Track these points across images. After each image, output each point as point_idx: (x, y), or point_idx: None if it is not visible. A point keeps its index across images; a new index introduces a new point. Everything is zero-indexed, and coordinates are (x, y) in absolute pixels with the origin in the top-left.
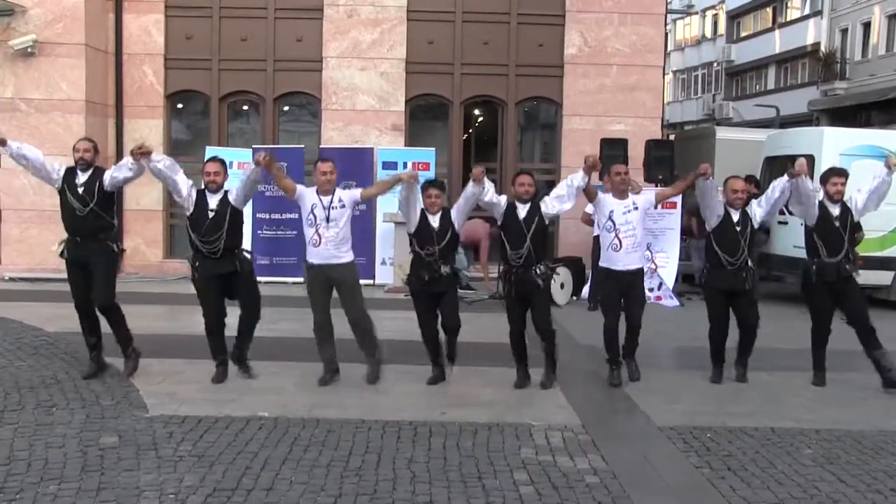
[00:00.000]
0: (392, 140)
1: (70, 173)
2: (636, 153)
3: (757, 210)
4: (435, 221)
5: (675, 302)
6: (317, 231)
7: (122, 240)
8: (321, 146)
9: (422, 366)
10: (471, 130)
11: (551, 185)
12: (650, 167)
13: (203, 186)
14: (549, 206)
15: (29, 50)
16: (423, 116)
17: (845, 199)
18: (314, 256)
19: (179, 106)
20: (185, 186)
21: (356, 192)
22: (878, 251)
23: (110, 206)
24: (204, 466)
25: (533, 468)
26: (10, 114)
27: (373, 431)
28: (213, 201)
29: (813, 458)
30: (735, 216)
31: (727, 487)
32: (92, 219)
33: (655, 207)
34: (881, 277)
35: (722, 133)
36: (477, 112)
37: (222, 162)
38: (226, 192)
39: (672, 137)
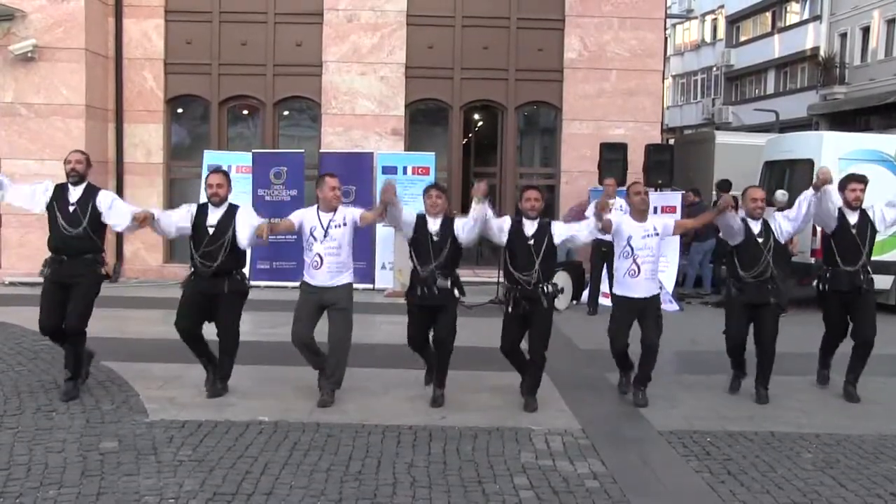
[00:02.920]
0: (392, 144)
1: (61, 189)
2: (636, 157)
3: (784, 223)
4: (434, 226)
5: (675, 306)
6: (318, 252)
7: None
8: (321, 150)
9: (421, 370)
10: (471, 135)
11: (551, 189)
12: (650, 172)
13: (206, 200)
14: (557, 236)
15: (29, 54)
16: (422, 121)
17: (865, 206)
18: (312, 278)
19: (179, 110)
20: (187, 220)
21: (356, 214)
22: (878, 255)
23: (101, 228)
24: (204, 471)
25: (533, 473)
26: (10, 118)
27: (373, 436)
28: (213, 216)
29: (813, 463)
30: (756, 227)
31: (727, 492)
32: (82, 239)
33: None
34: (881, 282)
35: (721, 137)
36: (477, 116)
37: (226, 174)
38: (230, 206)
39: (672, 142)
